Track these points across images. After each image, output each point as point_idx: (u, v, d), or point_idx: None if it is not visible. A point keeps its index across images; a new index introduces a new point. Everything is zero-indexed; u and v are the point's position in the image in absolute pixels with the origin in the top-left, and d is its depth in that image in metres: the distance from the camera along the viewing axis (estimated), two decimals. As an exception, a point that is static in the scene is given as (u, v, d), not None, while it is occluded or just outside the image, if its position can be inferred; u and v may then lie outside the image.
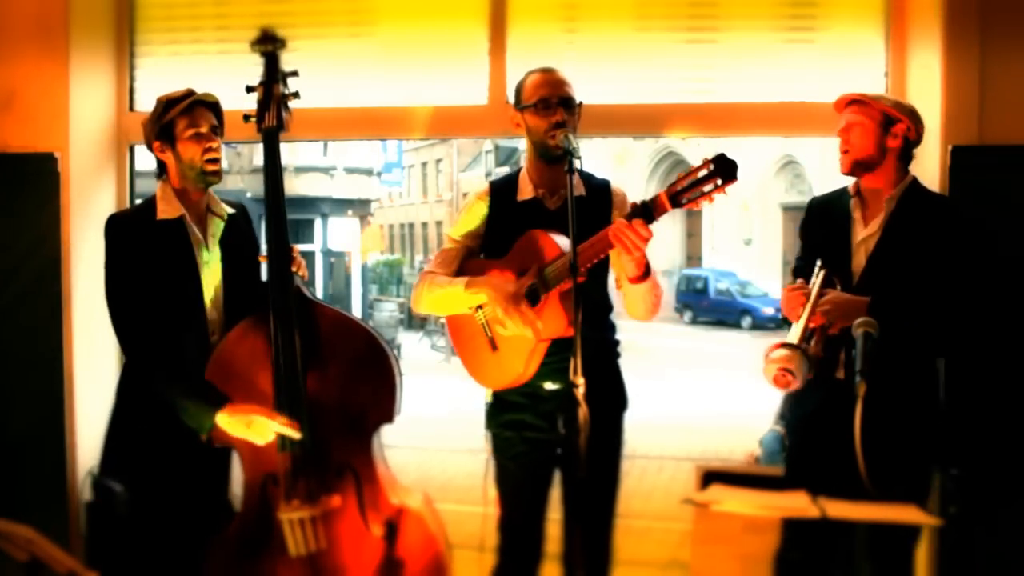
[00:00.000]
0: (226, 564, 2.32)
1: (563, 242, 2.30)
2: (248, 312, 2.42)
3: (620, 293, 2.51)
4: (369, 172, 21.93)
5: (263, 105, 2.40)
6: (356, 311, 19.74)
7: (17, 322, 3.10)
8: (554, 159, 2.40)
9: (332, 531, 2.32)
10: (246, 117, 2.41)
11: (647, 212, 2.18)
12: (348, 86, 3.27)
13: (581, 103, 2.45)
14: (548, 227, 2.37)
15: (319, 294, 20.78)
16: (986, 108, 2.85)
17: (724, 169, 2.12)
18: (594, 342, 2.36)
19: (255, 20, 3.25)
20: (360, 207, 21.76)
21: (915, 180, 2.49)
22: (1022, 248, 2.81)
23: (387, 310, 19.34)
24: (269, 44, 2.42)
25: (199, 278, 2.38)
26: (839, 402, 2.40)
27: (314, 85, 3.23)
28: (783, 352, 2.26)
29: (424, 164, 34.23)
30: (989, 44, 2.85)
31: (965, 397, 2.82)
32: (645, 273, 2.31)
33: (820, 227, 2.53)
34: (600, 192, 2.51)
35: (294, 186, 18.76)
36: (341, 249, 20.54)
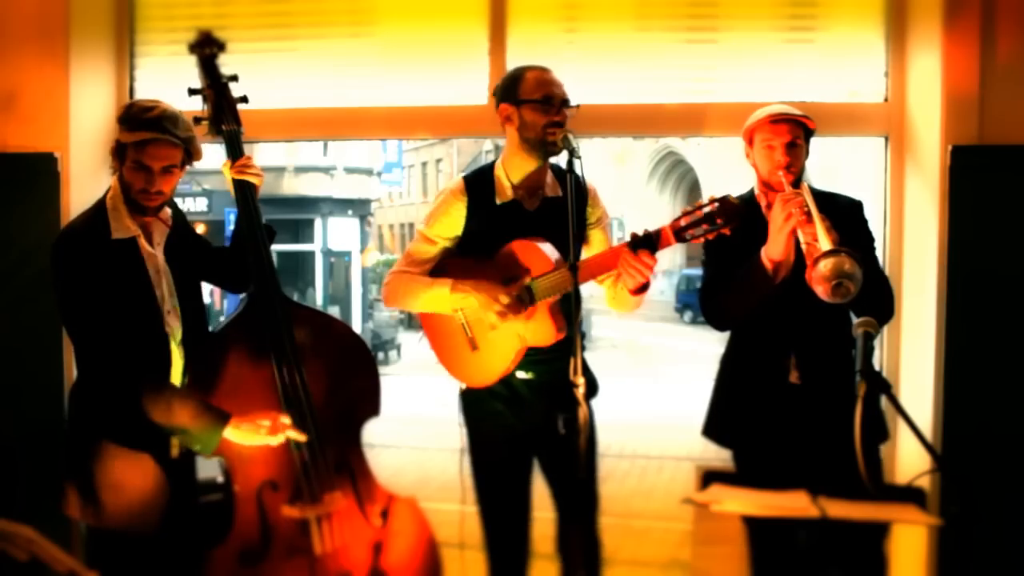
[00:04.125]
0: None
1: (551, 253, 2.34)
2: (199, 316, 2.40)
3: (603, 287, 2.53)
4: (369, 172, 21.90)
5: (219, 108, 2.37)
6: (356, 311, 19.77)
7: (17, 322, 3.10)
8: (548, 155, 2.41)
9: (340, 526, 2.34)
10: (197, 120, 2.38)
11: (650, 244, 2.20)
12: (348, 86, 3.27)
13: (578, 105, 2.45)
14: (527, 229, 2.39)
15: (319, 294, 20.70)
16: (986, 108, 2.85)
17: (728, 211, 2.14)
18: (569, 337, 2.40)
19: (255, 20, 3.27)
20: (360, 207, 21.73)
21: (807, 182, 2.50)
22: (1022, 247, 2.81)
23: (387, 310, 19.33)
24: (208, 47, 2.40)
25: (155, 295, 2.28)
26: (795, 408, 2.39)
27: (314, 85, 3.26)
28: (829, 260, 2.10)
29: (424, 164, 34.23)
30: (989, 44, 2.85)
31: (965, 397, 2.83)
32: (645, 286, 2.32)
33: (733, 233, 2.40)
34: (576, 188, 2.50)
35: (294, 186, 18.76)
36: (341, 249, 20.54)
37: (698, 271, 21.49)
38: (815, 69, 3.12)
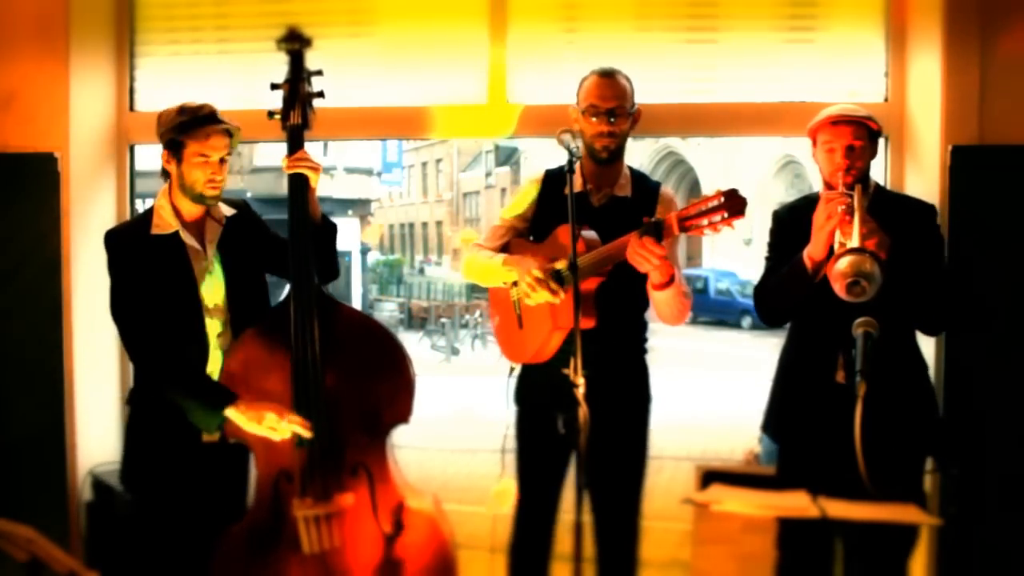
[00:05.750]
0: (235, 559, 2.33)
1: (591, 239, 2.38)
2: (258, 309, 2.47)
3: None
4: (369, 172, 21.92)
5: (288, 103, 2.44)
6: (356, 311, 19.75)
7: (17, 322, 3.10)
8: (600, 161, 2.50)
9: (345, 529, 2.33)
10: (270, 114, 2.45)
11: (657, 232, 2.23)
12: (348, 86, 3.27)
13: (632, 112, 2.51)
14: (589, 221, 2.44)
15: (319, 294, 20.73)
16: (986, 108, 2.84)
17: (733, 204, 2.15)
18: (622, 338, 2.50)
19: (255, 20, 3.26)
20: (360, 207, 21.74)
21: (878, 184, 2.49)
22: (1022, 247, 2.81)
23: (387, 310, 19.36)
24: (295, 43, 2.46)
25: (196, 289, 2.39)
26: (841, 407, 2.39)
27: (314, 85, 3.25)
28: (850, 258, 2.10)
29: (424, 164, 34.25)
30: (989, 44, 2.85)
31: (965, 397, 2.83)
32: (668, 281, 2.34)
33: (796, 232, 2.42)
34: (648, 195, 2.57)
35: (294, 186, 18.75)
36: (341, 249, 20.53)
37: (697, 271, 21.55)
38: (815, 69, 3.12)
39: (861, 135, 2.39)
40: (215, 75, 3.25)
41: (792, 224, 2.48)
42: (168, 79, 3.31)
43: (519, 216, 2.64)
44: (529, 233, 2.63)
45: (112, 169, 3.31)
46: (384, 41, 3.29)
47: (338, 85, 3.26)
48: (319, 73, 2.47)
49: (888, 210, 2.30)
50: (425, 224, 35.14)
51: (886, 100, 3.09)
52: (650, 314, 2.59)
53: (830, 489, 1.91)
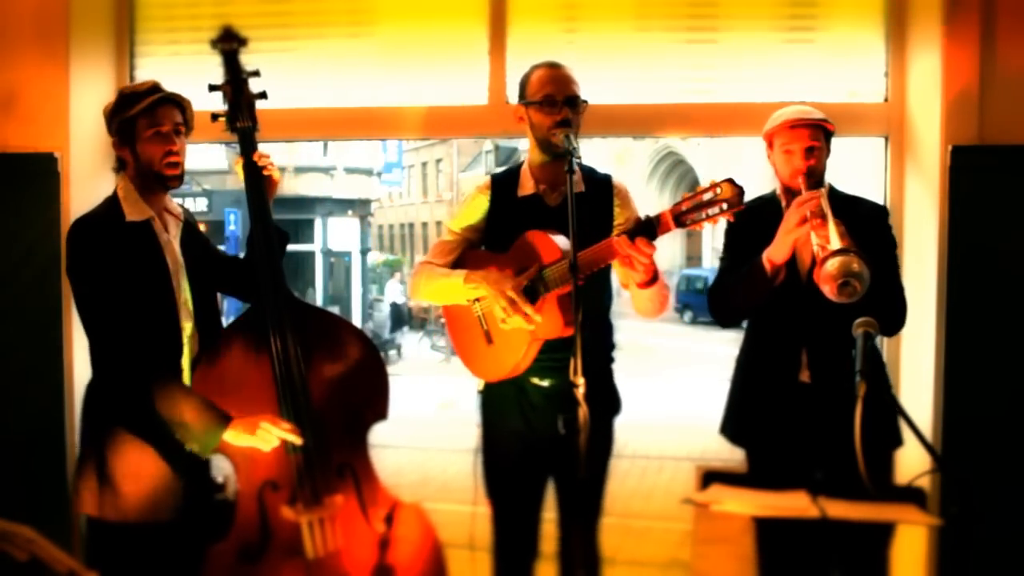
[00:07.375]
0: (227, 574, 2.28)
1: (563, 243, 2.30)
2: (213, 315, 2.41)
3: (627, 292, 2.51)
4: (369, 172, 21.89)
5: (235, 105, 2.37)
6: (356, 311, 19.77)
7: (17, 322, 3.10)
8: (557, 155, 2.41)
9: (338, 530, 2.32)
10: (214, 116, 2.38)
11: (650, 230, 2.17)
12: (348, 86, 3.27)
13: (586, 102, 2.45)
14: (548, 223, 2.38)
15: (319, 294, 20.68)
16: (986, 108, 2.85)
17: (730, 196, 2.11)
18: (588, 345, 2.37)
19: (255, 20, 3.26)
20: (360, 207, 21.72)
21: (831, 185, 2.49)
22: (1022, 248, 2.81)
23: (387, 311, 19.33)
24: (231, 43, 2.38)
25: (171, 283, 2.28)
26: (806, 408, 2.39)
27: (314, 85, 3.25)
28: (837, 259, 2.10)
29: (424, 164, 34.23)
30: (989, 44, 2.85)
31: (965, 397, 2.83)
32: (653, 279, 2.30)
33: (753, 232, 2.43)
34: (602, 187, 2.51)
35: (294, 186, 18.73)
36: (341, 249, 20.53)
37: (698, 271, 21.54)
38: (815, 69, 3.12)
39: (818, 136, 2.41)
40: (215, 75, 3.25)
41: (747, 224, 2.46)
42: (168, 79, 3.28)
43: (471, 227, 2.54)
44: (482, 243, 2.54)
45: (112, 169, 3.30)
46: (384, 41, 3.29)
47: (338, 85, 3.28)
48: (256, 74, 2.40)
49: (843, 212, 2.29)
50: (425, 224, 35.11)
51: (886, 100, 3.09)
52: (617, 313, 2.55)
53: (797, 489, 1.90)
